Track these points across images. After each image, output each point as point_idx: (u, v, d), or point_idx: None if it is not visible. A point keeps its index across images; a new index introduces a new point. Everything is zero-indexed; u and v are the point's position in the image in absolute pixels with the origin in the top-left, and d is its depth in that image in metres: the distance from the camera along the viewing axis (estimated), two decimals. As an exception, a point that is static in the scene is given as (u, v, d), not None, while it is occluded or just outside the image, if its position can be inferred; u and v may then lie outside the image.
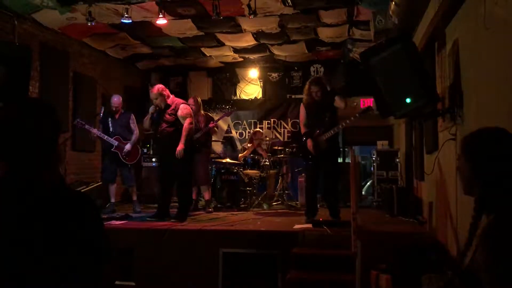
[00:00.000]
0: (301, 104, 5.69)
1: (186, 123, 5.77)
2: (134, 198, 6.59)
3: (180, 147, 5.66)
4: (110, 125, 6.37)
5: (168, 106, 5.87)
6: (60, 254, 1.28)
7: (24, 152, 1.37)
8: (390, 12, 4.73)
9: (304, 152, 5.57)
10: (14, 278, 1.25)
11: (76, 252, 1.30)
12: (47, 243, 1.27)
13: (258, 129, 8.58)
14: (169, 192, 5.98)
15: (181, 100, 6.13)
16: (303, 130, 5.61)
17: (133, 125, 6.51)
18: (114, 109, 6.41)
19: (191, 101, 6.76)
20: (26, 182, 1.34)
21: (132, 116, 6.56)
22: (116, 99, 6.48)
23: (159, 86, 5.96)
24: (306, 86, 5.59)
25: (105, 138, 6.27)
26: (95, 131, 6.26)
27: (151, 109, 5.87)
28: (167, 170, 5.84)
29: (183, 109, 5.88)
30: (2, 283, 1.25)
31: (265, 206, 6.99)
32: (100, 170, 7.77)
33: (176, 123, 5.81)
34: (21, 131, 1.37)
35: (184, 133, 5.72)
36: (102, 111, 6.67)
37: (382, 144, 7.75)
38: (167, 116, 5.83)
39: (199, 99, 7.07)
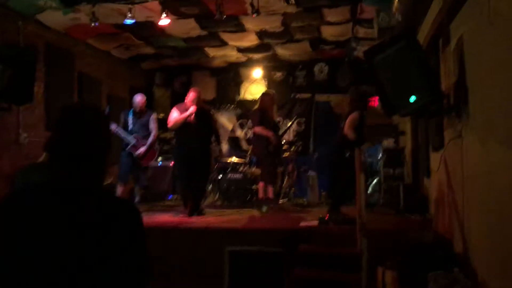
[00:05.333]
0: (358, 112, 5.81)
1: (218, 129, 6.34)
2: (137, 199, 6.42)
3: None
4: (130, 122, 6.25)
5: (201, 108, 6.04)
6: (107, 265, 1.25)
7: (87, 153, 1.35)
8: (394, 10, 4.72)
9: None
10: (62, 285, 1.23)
11: (123, 264, 1.28)
12: (96, 252, 1.25)
13: None
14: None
15: (205, 105, 6.48)
16: (353, 136, 5.69)
17: (153, 125, 6.33)
18: (138, 110, 6.29)
19: (268, 98, 6.76)
20: (78, 186, 1.32)
21: (153, 116, 6.40)
22: (139, 99, 6.33)
23: (199, 89, 6.22)
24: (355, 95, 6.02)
25: (122, 136, 6.13)
26: (113, 126, 6.08)
27: (193, 110, 5.93)
28: (192, 168, 6.01)
29: (215, 116, 6.25)
30: None
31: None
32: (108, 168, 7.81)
33: (209, 125, 6.13)
34: (89, 131, 1.36)
35: (220, 137, 6.29)
36: (107, 111, 6.66)
37: (388, 142, 7.72)
38: (203, 118, 6.04)
39: None
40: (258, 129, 6.50)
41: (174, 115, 6.03)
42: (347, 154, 5.51)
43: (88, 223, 1.27)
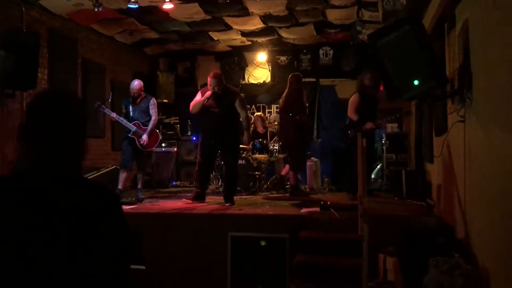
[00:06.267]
0: (356, 94, 6.21)
1: (246, 114, 6.02)
2: (140, 185, 6.34)
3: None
4: (130, 109, 6.19)
5: (224, 92, 5.86)
6: (86, 250, 1.26)
7: (60, 140, 1.34)
8: (399, -7, 4.64)
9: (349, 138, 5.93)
10: (39, 273, 1.24)
11: (101, 249, 1.28)
12: (73, 238, 1.25)
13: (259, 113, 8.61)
14: (210, 175, 6.25)
15: (233, 88, 6.23)
16: (355, 117, 6.04)
17: (153, 110, 6.22)
18: (133, 94, 6.19)
19: (301, 79, 6.90)
20: (55, 173, 1.32)
21: (153, 101, 6.29)
22: (136, 84, 6.23)
23: (219, 72, 6.11)
24: (360, 77, 6.30)
25: (123, 123, 6.10)
26: (114, 115, 6.07)
27: (208, 94, 5.77)
28: (214, 155, 6.12)
29: (243, 99, 6.01)
30: (28, 278, 1.24)
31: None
32: (110, 155, 7.86)
33: (232, 110, 5.90)
34: (57, 119, 1.35)
35: (247, 122, 6.09)
36: (110, 97, 6.64)
37: (391, 127, 7.68)
38: (225, 102, 5.85)
39: None
40: (302, 118, 6.59)
41: (196, 99, 5.97)
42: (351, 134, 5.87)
43: (64, 211, 1.28)
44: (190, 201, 5.91)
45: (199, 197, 5.94)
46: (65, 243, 1.25)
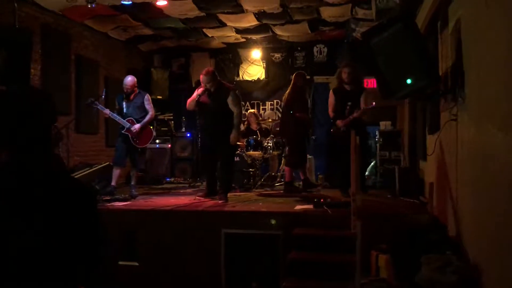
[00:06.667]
0: (331, 91, 6.32)
1: (238, 111, 5.92)
2: (133, 182, 6.33)
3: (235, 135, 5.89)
4: (124, 106, 6.17)
5: (218, 89, 5.85)
6: (57, 244, 1.28)
7: (25, 138, 1.35)
8: (392, -9, 4.66)
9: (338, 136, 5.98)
10: (13, 265, 1.26)
11: (73, 243, 1.31)
12: (46, 232, 1.28)
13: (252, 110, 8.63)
14: (214, 171, 6.23)
15: (228, 85, 6.23)
16: (332, 115, 6.19)
17: (149, 106, 6.24)
18: (126, 90, 6.16)
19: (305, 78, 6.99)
20: (26, 170, 1.33)
21: (147, 97, 6.29)
22: (129, 80, 6.19)
23: (211, 69, 6.04)
24: (338, 70, 6.34)
25: (116, 119, 6.08)
26: (107, 111, 6.06)
27: (199, 91, 5.78)
28: (213, 152, 5.99)
29: (236, 96, 5.97)
30: (2, 271, 1.26)
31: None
32: (104, 151, 7.83)
33: (225, 107, 5.84)
34: (22, 116, 1.36)
35: (238, 119, 5.94)
36: (103, 94, 6.61)
37: (385, 125, 7.72)
38: (218, 99, 5.82)
39: None
40: (301, 115, 6.66)
41: (192, 96, 5.98)
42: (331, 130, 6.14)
43: (37, 205, 1.30)
44: (202, 198, 5.98)
45: (209, 194, 6.05)
46: (37, 236, 1.27)
